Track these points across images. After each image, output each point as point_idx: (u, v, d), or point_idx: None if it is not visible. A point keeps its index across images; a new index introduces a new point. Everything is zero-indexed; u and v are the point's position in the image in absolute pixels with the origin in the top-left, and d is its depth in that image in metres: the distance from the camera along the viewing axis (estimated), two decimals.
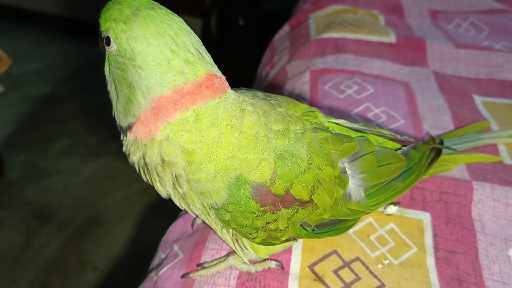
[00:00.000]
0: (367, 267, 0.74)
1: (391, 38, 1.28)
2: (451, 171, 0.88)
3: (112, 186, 2.24)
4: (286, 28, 1.49)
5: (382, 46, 1.26)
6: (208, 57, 0.56)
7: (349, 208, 0.68)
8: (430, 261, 0.76)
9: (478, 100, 1.10)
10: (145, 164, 0.59)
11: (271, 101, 0.64)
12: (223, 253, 0.76)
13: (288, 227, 0.63)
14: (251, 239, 0.64)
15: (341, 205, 0.67)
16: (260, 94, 0.65)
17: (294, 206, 0.61)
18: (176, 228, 0.87)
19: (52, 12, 3.51)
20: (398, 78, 1.16)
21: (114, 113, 0.60)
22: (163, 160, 0.57)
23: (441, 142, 0.84)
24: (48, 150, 2.43)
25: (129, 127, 0.57)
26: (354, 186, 0.68)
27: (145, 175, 0.63)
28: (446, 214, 0.83)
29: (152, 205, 2.15)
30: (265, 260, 0.73)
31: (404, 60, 1.23)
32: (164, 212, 2.10)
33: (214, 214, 0.61)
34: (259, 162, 0.57)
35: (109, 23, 0.52)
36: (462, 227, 0.81)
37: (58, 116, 2.67)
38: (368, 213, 0.72)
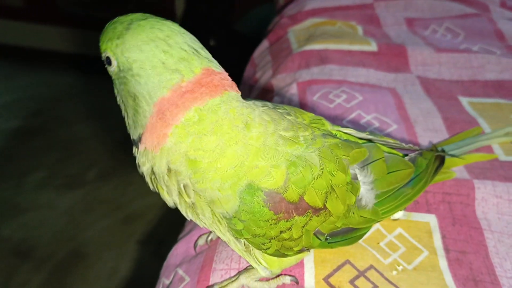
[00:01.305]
0: (382, 275, 0.72)
1: (373, 47, 1.29)
2: None
3: (91, 217, 2.17)
4: (265, 44, 1.49)
5: (364, 55, 1.27)
6: (205, 52, 0.56)
7: (361, 216, 0.66)
8: (443, 263, 0.74)
9: (464, 101, 1.12)
10: (153, 173, 0.59)
11: (279, 110, 0.63)
12: (233, 273, 0.72)
13: (302, 235, 0.61)
14: (264, 249, 0.62)
15: (353, 213, 0.65)
16: (269, 104, 0.64)
17: (308, 213, 0.59)
18: (178, 251, 0.83)
19: (19, 44, 3.42)
20: (384, 84, 1.17)
21: (128, 130, 0.59)
22: (169, 169, 0.56)
23: (442, 150, 0.84)
24: (23, 184, 2.34)
25: (140, 138, 0.56)
26: (366, 192, 0.66)
27: (152, 184, 0.61)
28: (451, 215, 0.82)
29: (135, 234, 2.09)
30: (278, 276, 0.70)
31: (388, 67, 1.24)
32: (149, 240, 2.05)
33: (226, 224, 0.59)
34: (270, 169, 0.56)
35: (106, 44, 0.54)
36: (469, 226, 0.80)
37: (32, 149, 2.58)
38: (379, 221, 0.71)
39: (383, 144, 0.75)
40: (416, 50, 1.27)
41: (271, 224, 0.57)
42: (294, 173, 0.57)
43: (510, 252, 0.77)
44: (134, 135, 0.57)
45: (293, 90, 1.14)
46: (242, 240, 0.63)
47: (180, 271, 0.78)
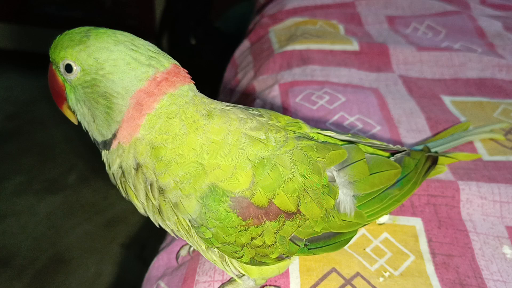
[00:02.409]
0: (369, 282, 0.70)
1: (354, 46, 1.28)
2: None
3: (73, 222, 2.12)
4: (246, 44, 1.47)
5: (346, 55, 1.25)
6: (166, 54, 0.58)
7: (343, 220, 0.64)
8: (430, 268, 0.74)
9: (447, 100, 1.11)
10: (123, 174, 0.58)
11: (251, 111, 0.63)
12: (216, 285, 0.70)
13: (276, 242, 0.59)
14: (238, 258, 0.60)
15: (333, 216, 0.63)
16: (240, 106, 0.64)
17: (280, 218, 0.57)
18: (160, 262, 0.81)
19: None
20: (367, 84, 1.16)
21: (92, 137, 0.59)
22: (137, 164, 0.56)
23: (429, 150, 0.83)
24: (0, 190, 2.28)
25: (114, 136, 0.56)
26: (345, 196, 0.65)
27: (123, 189, 0.60)
28: (437, 218, 0.82)
29: (117, 238, 2.05)
30: (263, 287, 0.68)
31: (370, 67, 1.23)
32: (131, 243, 2.01)
33: (195, 233, 0.58)
34: (233, 169, 0.55)
35: (64, 52, 0.54)
36: (454, 229, 0.80)
37: (8, 153, 2.51)
38: (365, 225, 0.69)
39: (370, 146, 0.73)
40: (398, 48, 1.26)
41: (240, 231, 0.56)
42: (261, 175, 0.56)
43: (496, 254, 0.76)
44: (106, 136, 0.57)
45: (275, 92, 1.12)
46: (215, 249, 0.61)
47: (162, 284, 0.75)
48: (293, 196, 0.57)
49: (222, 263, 0.63)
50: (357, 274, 0.72)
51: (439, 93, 1.14)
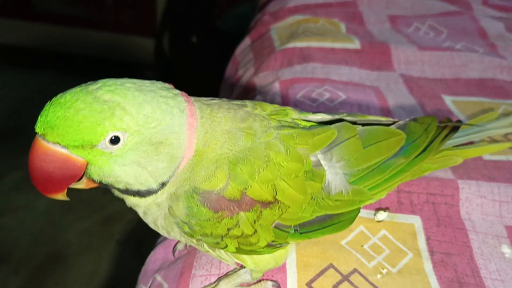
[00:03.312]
0: (366, 279, 0.70)
1: (356, 45, 1.27)
2: (435, 172, 0.86)
3: (71, 218, 2.12)
4: (247, 41, 1.46)
5: (347, 53, 1.25)
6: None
7: (337, 200, 0.63)
8: (428, 266, 0.73)
9: (448, 99, 1.11)
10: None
11: (235, 102, 0.64)
12: (213, 279, 0.70)
13: (256, 231, 0.59)
14: (222, 248, 0.61)
15: (323, 199, 0.62)
16: (223, 99, 0.65)
17: (256, 208, 0.57)
18: (156, 256, 0.81)
19: None
20: (368, 83, 1.16)
21: (134, 190, 0.57)
22: None
23: (449, 121, 0.79)
24: None
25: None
26: (334, 175, 0.63)
27: None
28: (436, 216, 0.81)
29: (115, 235, 2.05)
30: (260, 281, 0.68)
31: (371, 66, 1.22)
32: (129, 240, 2.01)
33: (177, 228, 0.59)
34: (215, 170, 0.56)
35: (101, 127, 0.49)
36: (453, 227, 0.79)
37: (7, 150, 2.51)
38: (370, 199, 0.67)
39: (367, 123, 0.71)
40: (399, 48, 1.25)
41: (214, 223, 0.57)
42: (234, 171, 0.56)
43: (494, 253, 0.76)
44: (164, 177, 0.56)
45: (276, 88, 1.11)
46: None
47: (159, 277, 0.75)
48: (267, 186, 0.57)
49: (215, 252, 0.64)
50: (355, 270, 0.71)
51: (440, 93, 1.13)
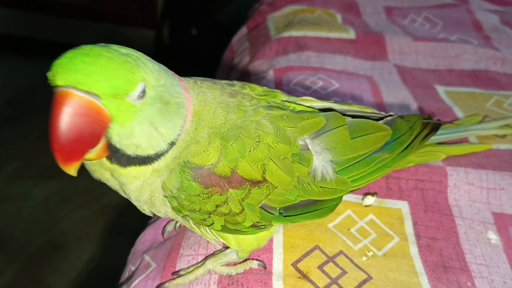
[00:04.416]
0: (351, 261, 0.71)
1: (351, 35, 1.28)
2: None
3: (68, 208, 2.12)
4: (243, 30, 1.47)
5: (342, 43, 1.26)
6: None
7: (321, 187, 0.64)
8: (413, 250, 0.74)
9: (441, 90, 1.11)
10: None
11: (222, 81, 0.64)
12: (200, 258, 0.71)
13: (243, 209, 0.60)
14: (208, 225, 0.61)
15: (308, 184, 0.63)
16: (208, 78, 0.66)
17: (245, 186, 0.58)
18: (146, 237, 0.82)
19: None
20: (361, 72, 1.16)
21: (149, 154, 0.54)
22: None
23: (430, 118, 0.81)
24: None
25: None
26: (320, 162, 0.64)
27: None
28: (424, 202, 0.82)
29: (111, 224, 2.06)
30: (245, 260, 0.68)
31: (365, 55, 1.23)
32: (125, 230, 2.01)
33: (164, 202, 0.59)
34: (208, 145, 0.56)
35: (134, 76, 0.49)
36: (440, 213, 0.80)
37: (6, 138, 2.52)
38: (351, 190, 0.68)
39: (357, 114, 0.73)
40: (394, 38, 1.26)
41: (203, 199, 0.57)
42: (225, 147, 0.57)
43: (480, 239, 0.76)
44: (172, 135, 0.55)
45: (270, 76, 1.12)
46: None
47: (147, 257, 0.76)
48: (257, 165, 0.58)
49: (200, 230, 0.64)
50: (340, 252, 0.72)
51: (433, 83, 1.14)
